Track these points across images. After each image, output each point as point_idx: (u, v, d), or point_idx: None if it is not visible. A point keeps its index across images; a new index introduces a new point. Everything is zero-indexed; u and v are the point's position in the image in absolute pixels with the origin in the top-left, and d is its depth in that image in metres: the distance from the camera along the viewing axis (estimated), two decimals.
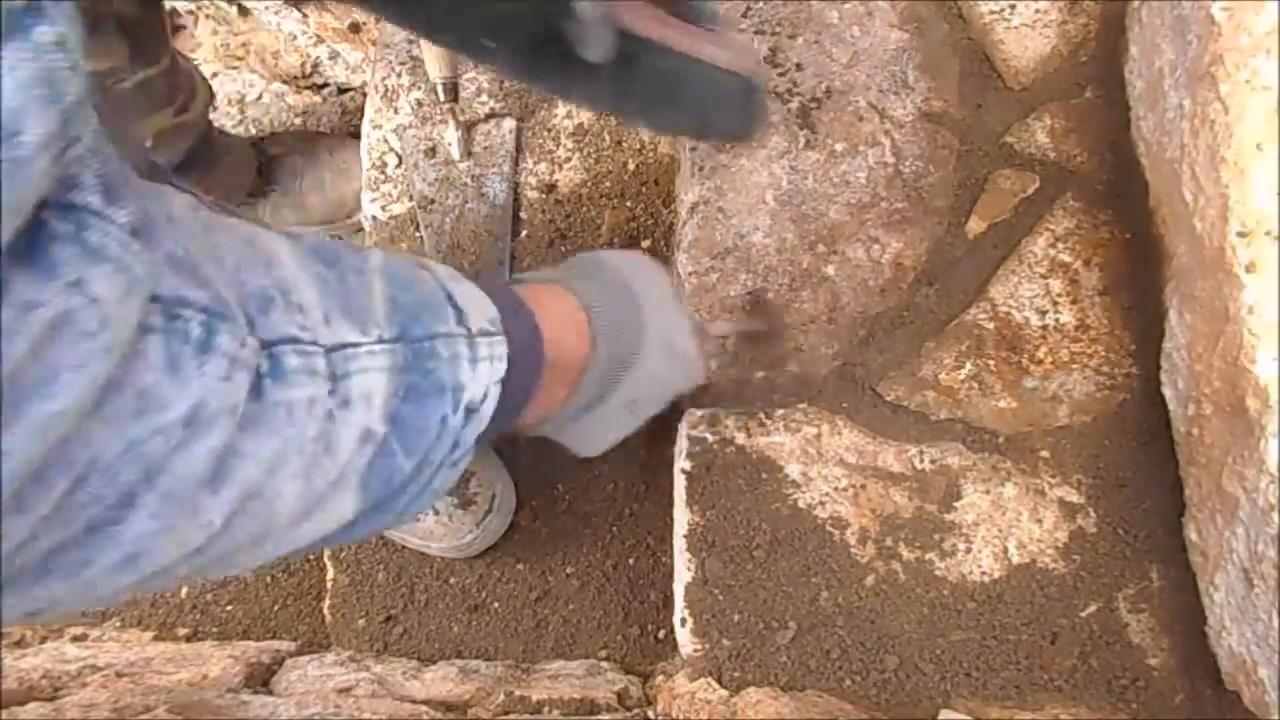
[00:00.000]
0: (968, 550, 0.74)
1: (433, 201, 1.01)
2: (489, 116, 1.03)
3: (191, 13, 1.28)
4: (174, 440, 0.32)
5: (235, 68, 1.36)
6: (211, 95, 1.06)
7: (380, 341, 0.41)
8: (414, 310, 0.44)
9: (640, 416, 0.63)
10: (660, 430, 0.89)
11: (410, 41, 1.04)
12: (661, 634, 0.91)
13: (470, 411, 0.45)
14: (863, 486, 0.75)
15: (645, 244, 1.00)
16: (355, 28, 1.23)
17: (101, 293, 0.28)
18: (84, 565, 0.32)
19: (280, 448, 0.36)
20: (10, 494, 0.28)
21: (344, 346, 0.39)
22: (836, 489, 0.75)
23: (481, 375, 0.46)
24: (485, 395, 0.46)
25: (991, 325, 0.79)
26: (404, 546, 0.95)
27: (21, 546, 0.30)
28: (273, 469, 0.36)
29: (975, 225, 0.82)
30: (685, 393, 0.65)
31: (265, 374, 0.35)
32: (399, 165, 1.03)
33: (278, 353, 0.36)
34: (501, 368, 0.47)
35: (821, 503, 0.75)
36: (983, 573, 0.73)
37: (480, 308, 0.48)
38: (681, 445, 0.78)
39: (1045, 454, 0.75)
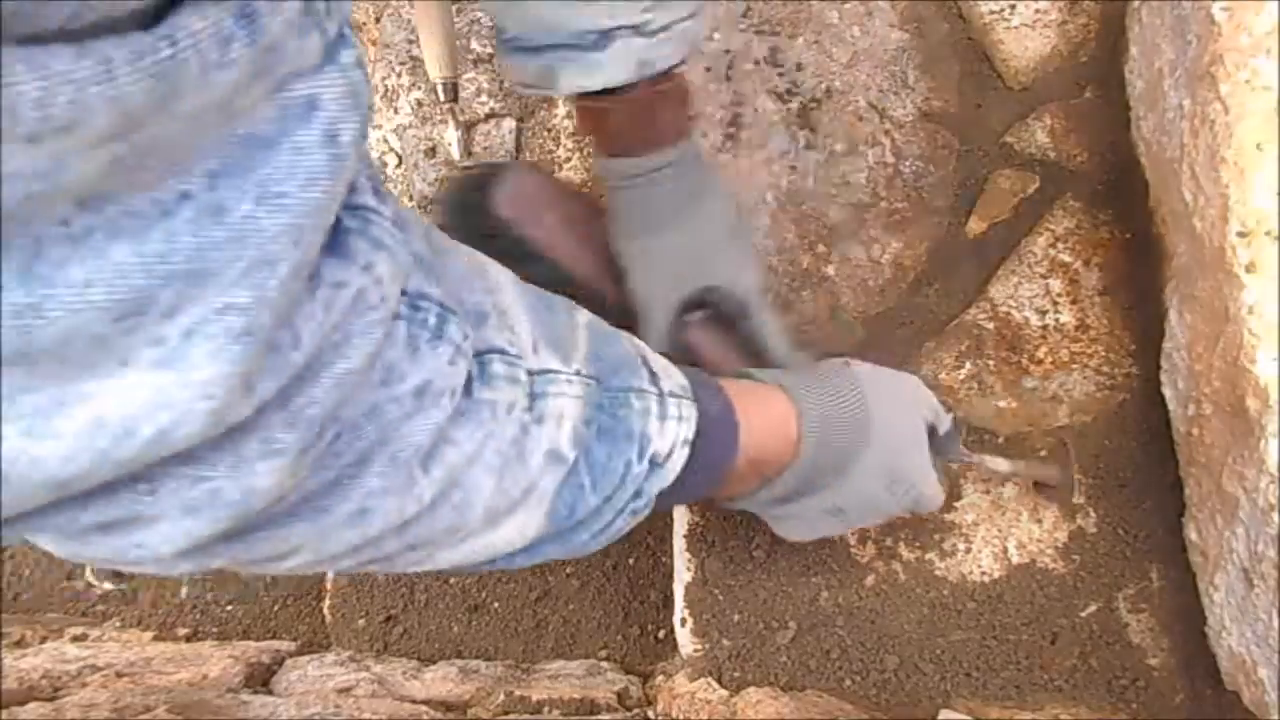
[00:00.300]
0: (968, 550, 0.74)
1: (433, 201, 1.01)
2: (489, 116, 1.03)
3: None
4: (405, 410, 0.36)
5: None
6: None
7: (579, 375, 0.45)
8: (613, 364, 0.48)
9: (848, 524, 0.63)
10: None
11: (410, 41, 1.04)
12: (661, 634, 0.91)
13: (655, 464, 0.48)
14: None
15: None
16: (355, 28, 1.23)
17: (383, 274, 0.33)
18: (324, 513, 0.36)
19: (481, 442, 0.40)
20: (311, 438, 0.33)
21: (546, 372, 0.43)
22: None
23: (669, 432, 0.48)
24: (671, 451, 0.48)
25: (991, 325, 0.79)
26: None
27: (295, 487, 0.34)
28: (473, 460, 0.40)
29: (975, 225, 0.82)
30: (920, 509, 0.63)
31: (474, 375, 0.40)
32: (399, 165, 1.03)
33: (485, 359, 0.40)
34: (689, 428, 0.49)
35: None
36: (983, 573, 0.73)
37: (672, 374, 0.51)
38: None
39: (1045, 454, 0.75)
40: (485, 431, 0.40)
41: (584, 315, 0.49)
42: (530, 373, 0.42)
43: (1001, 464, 0.69)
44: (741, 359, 0.67)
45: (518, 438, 0.42)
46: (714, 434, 0.52)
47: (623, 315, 0.65)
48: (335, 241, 0.31)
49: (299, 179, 0.27)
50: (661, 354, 0.60)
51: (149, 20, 0.22)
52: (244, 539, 0.35)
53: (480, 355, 0.40)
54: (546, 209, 0.70)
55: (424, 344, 0.37)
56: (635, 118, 0.61)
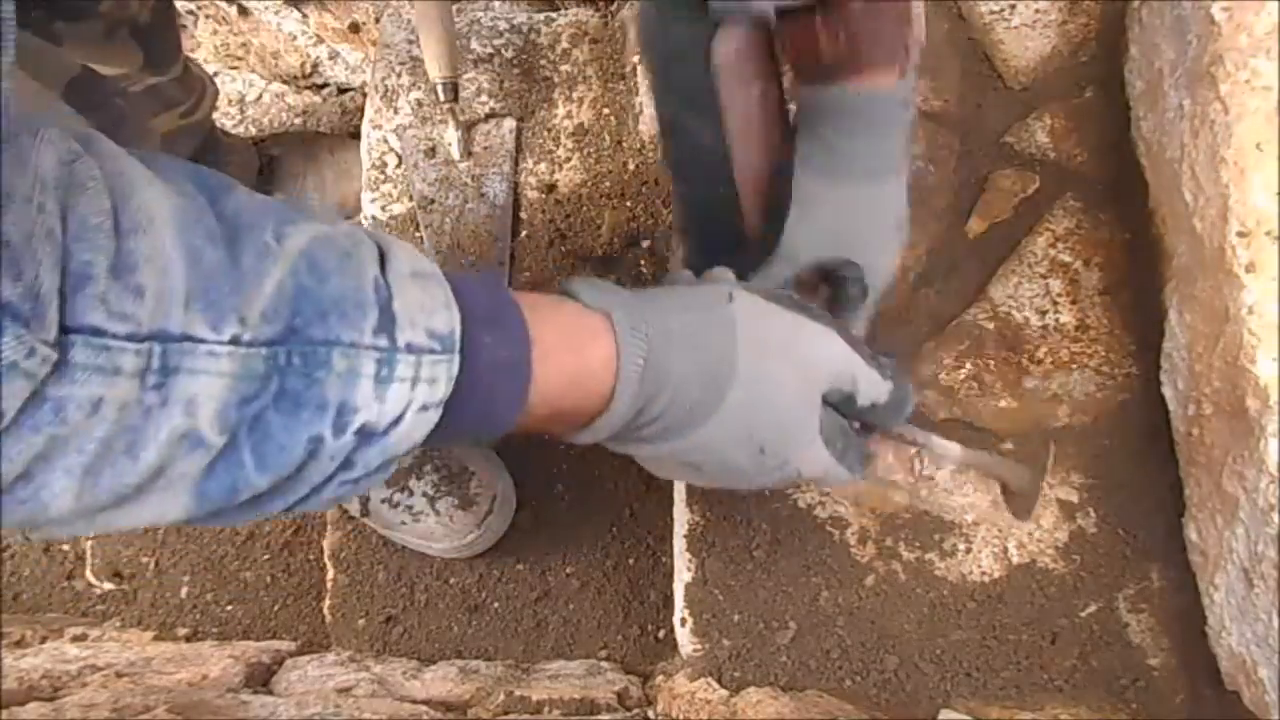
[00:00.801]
0: (968, 550, 0.74)
1: (433, 201, 1.01)
2: (489, 116, 1.03)
3: (191, 13, 1.28)
4: None
5: (235, 68, 1.36)
6: (216, 96, 1.06)
7: (236, 343, 0.35)
8: (319, 308, 0.37)
9: (709, 481, 0.54)
10: None
11: (410, 41, 1.04)
12: (661, 634, 0.91)
13: (368, 434, 0.39)
14: (863, 486, 0.75)
15: (645, 244, 1.00)
16: (355, 28, 1.23)
17: None
18: None
19: (42, 448, 0.33)
20: None
21: (183, 339, 0.34)
22: (836, 489, 0.75)
23: (393, 396, 0.39)
24: (399, 419, 0.40)
25: (991, 325, 0.79)
26: (404, 546, 0.95)
27: None
28: (42, 459, 0.33)
29: (975, 225, 0.82)
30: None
31: (52, 365, 0.31)
32: (399, 165, 1.03)
33: (68, 343, 0.32)
34: (433, 390, 0.40)
35: (821, 502, 0.75)
36: (983, 573, 0.73)
37: (431, 314, 0.41)
38: None
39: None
40: (46, 436, 0.33)
41: (302, 238, 0.39)
42: (158, 341, 0.34)
43: (952, 449, 0.62)
44: None
45: (114, 434, 0.34)
46: (493, 387, 0.43)
47: (743, 242, 0.60)
48: None
49: None
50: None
51: None
52: None
53: (67, 334, 0.32)
54: (760, 92, 0.59)
55: None
56: (846, 37, 0.54)
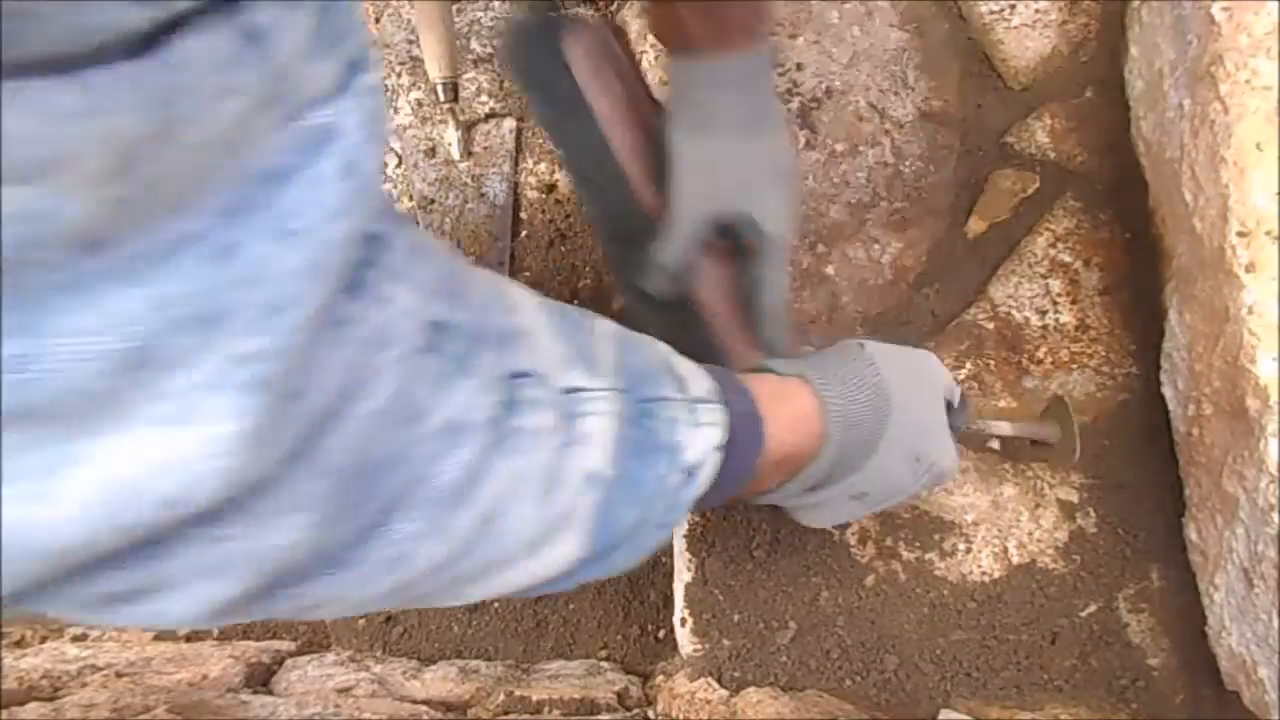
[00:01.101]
0: (968, 550, 0.74)
1: (433, 201, 1.01)
2: (489, 116, 1.03)
3: None
4: (433, 449, 0.34)
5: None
6: None
7: (609, 389, 0.43)
8: (639, 373, 0.46)
9: (869, 508, 0.61)
10: None
11: (410, 41, 1.04)
12: (661, 634, 0.91)
13: (688, 474, 0.46)
14: None
15: None
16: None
17: (402, 306, 0.31)
18: (356, 564, 0.34)
19: (517, 472, 0.37)
20: (335, 488, 0.30)
21: (576, 390, 0.41)
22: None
23: (700, 440, 0.46)
24: (703, 460, 0.47)
25: (991, 325, 0.79)
26: None
27: (322, 540, 0.32)
28: (510, 492, 0.38)
29: (975, 225, 0.82)
30: (937, 487, 0.64)
31: (505, 403, 0.37)
32: (399, 165, 1.03)
33: (516, 385, 0.38)
34: (719, 434, 0.47)
35: None
36: (983, 573, 0.73)
37: (699, 379, 0.49)
38: None
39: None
40: (520, 461, 0.38)
41: (606, 325, 0.47)
42: (562, 392, 0.40)
43: (1004, 427, 0.68)
44: (734, 305, 0.66)
45: (554, 463, 0.40)
46: (741, 436, 0.50)
47: (644, 219, 0.63)
48: (350, 276, 0.29)
49: (317, 214, 0.25)
50: (668, 268, 0.62)
51: (142, 46, 0.20)
52: (273, 596, 0.32)
53: (510, 380, 0.38)
54: (616, 77, 0.64)
55: (450, 376, 0.35)
56: (705, 12, 0.59)
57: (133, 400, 0.23)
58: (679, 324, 0.65)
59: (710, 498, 0.50)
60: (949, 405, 0.61)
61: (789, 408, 0.54)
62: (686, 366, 0.50)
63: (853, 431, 0.55)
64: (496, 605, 0.95)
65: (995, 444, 0.75)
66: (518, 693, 0.75)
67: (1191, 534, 0.70)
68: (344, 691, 0.77)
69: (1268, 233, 0.61)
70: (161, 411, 0.24)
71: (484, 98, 1.04)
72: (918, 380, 0.59)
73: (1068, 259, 0.80)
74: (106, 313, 0.22)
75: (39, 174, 0.19)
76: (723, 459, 0.48)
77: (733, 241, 0.64)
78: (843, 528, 0.74)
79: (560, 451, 0.40)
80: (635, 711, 0.76)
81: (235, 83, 0.22)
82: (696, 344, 0.60)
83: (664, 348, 0.50)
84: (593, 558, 0.44)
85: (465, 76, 1.02)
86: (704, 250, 0.64)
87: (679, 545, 0.76)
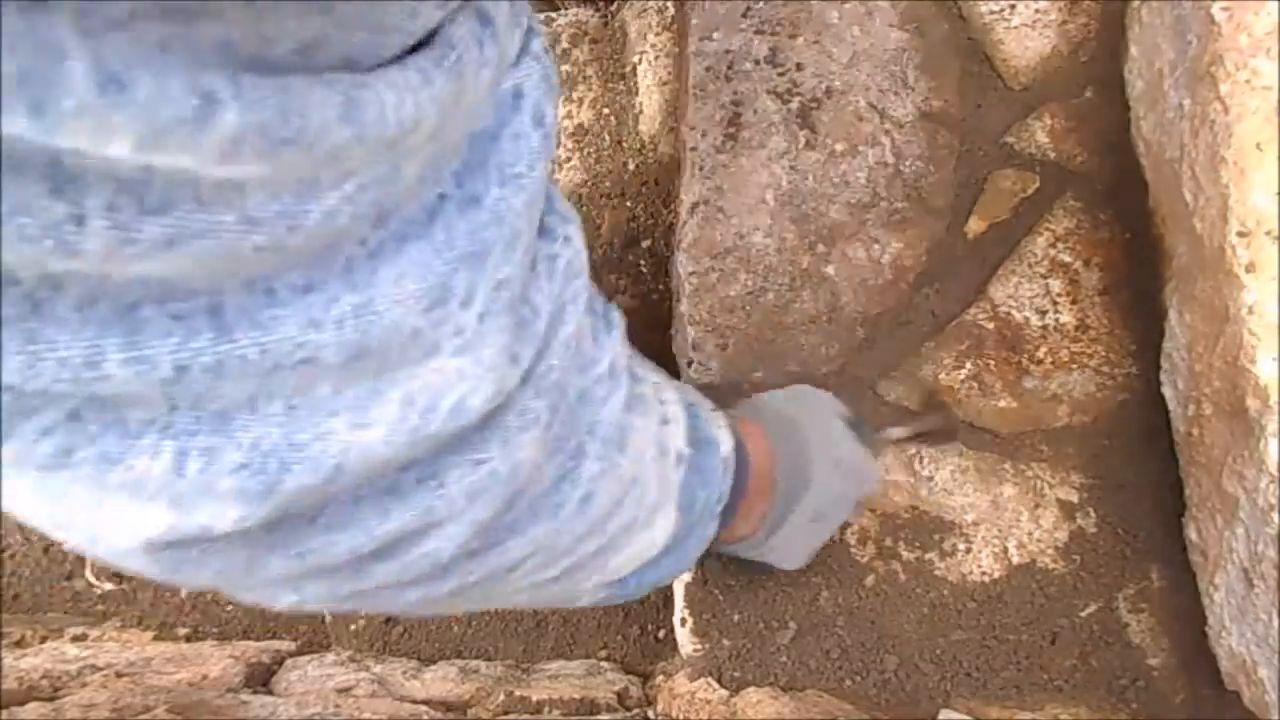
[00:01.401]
0: (968, 550, 0.74)
1: None
2: None
3: None
4: (603, 391, 0.39)
5: None
6: None
7: (668, 383, 0.50)
8: (670, 380, 0.51)
9: (829, 526, 0.66)
10: None
11: None
12: (661, 634, 0.91)
13: (725, 466, 0.51)
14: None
15: (645, 244, 1.00)
16: None
17: (577, 243, 0.36)
18: (559, 508, 0.39)
19: (645, 431, 0.43)
20: (552, 408, 0.36)
21: (653, 384, 0.48)
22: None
23: (726, 439, 0.52)
24: (730, 457, 0.52)
25: (991, 325, 0.79)
26: None
27: (537, 479, 0.37)
28: (645, 446, 0.43)
29: (975, 225, 0.82)
30: (871, 488, 0.69)
31: (626, 367, 0.42)
32: None
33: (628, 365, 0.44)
34: (731, 438, 0.53)
35: None
36: (983, 573, 0.73)
37: (703, 396, 0.56)
38: None
39: (1045, 454, 0.75)
40: (644, 422, 0.43)
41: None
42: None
43: (897, 431, 0.72)
44: None
45: (659, 434, 0.45)
46: (739, 449, 0.55)
47: None
48: (540, 218, 0.34)
49: (525, 161, 0.30)
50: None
51: (425, 38, 0.25)
52: (496, 548, 0.37)
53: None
54: None
55: (602, 331, 0.40)
56: None
57: (434, 337, 0.28)
58: None
59: (725, 515, 0.54)
60: (848, 420, 0.66)
61: (752, 436, 0.59)
62: (691, 390, 0.55)
63: (788, 453, 0.60)
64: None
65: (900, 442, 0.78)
66: (518, 693, 0.75)
67: (1191, 534, 0.70)
68: (344, 691, 0.77)
69: (1268, 233, 0.61)
70: (454, 344, 0.29)
71: None
72: (815, 406, 0.66)
73: (1068, 259, 0.80)
74: (407, 265, 0.26)
75: (401, 137, 0.23)
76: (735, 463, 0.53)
77: None
78: (843, 527, 0.74)
79: (661, 426, 0.46)
80: (635, 711, 0.76)
81: (486, 57, 0.26)
82: None
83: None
84: (675, 542, 0.49)
85: None
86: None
87: None
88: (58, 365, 0.22)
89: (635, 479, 0.43)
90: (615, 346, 0.41)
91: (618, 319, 0.42)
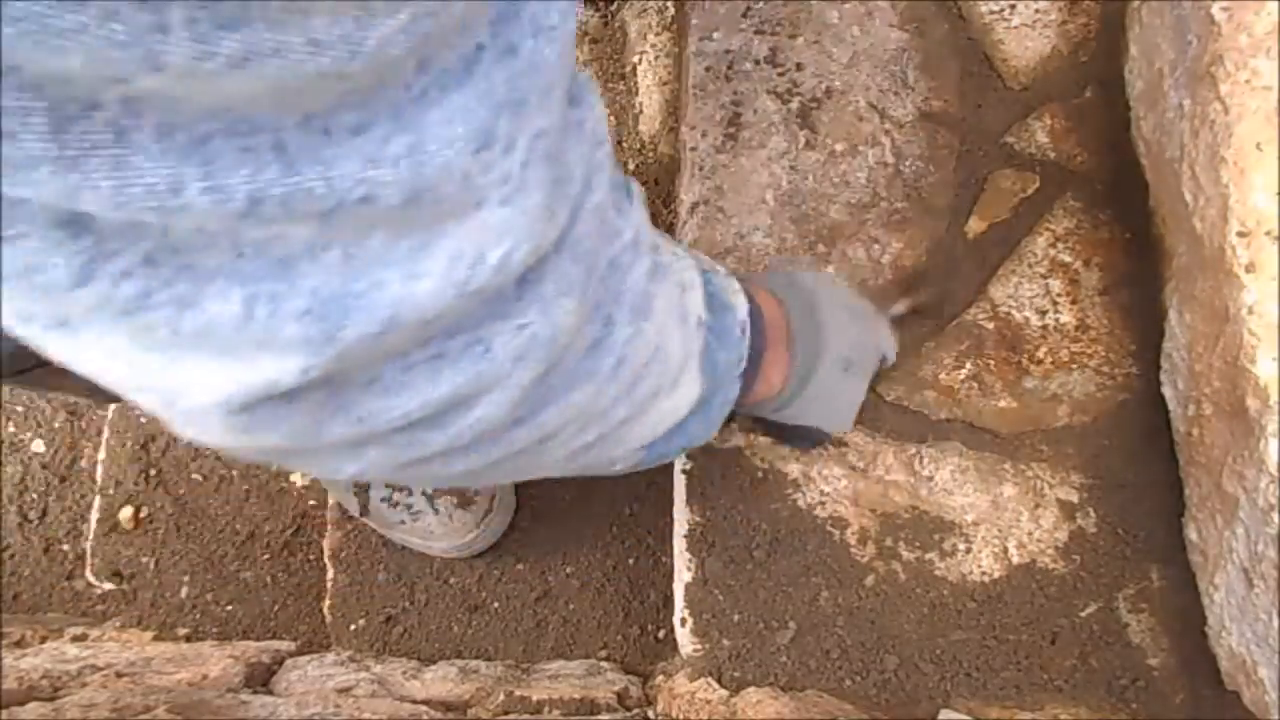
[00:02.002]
0: (968, 550, 0.74)
1: None
2: None
3: None
4: (629, 259, 0.41)
5: None
6: None
7: (685, 252, 0.51)
8: (684, 249, 0.53)
9: (863, 376, 0.66)
10: None
11: None
12: (661, 634, 0.91)
13: (743, 330, 0.53)
14: (863, 487, 0.75)
15: None
16: None
17: (600, 111, 0.37)
18: (593, 374, 0.40)
19: (669, 296, 0.44)
20: (588, 272, 0.37)
21: (671, 252, 0.49)
22: (836, 489, 0.75)
23: (741, 303, 0.53)
24: (747, 320, 0.53)
25: (991, 325, 0.79)
26: (404, 547, 0.95)
27: (575, 344, 0.38)
28: (668, 312, 0.44)
29: (975, 225, 0.82)
30: (888, 352, 0.70)
31: (645, 237, 0.43)
32: None
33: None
34: (746, 302, 0.54)
35: (821, 503, 0.75)
36: (983, 573, 0.73)
37: (716, 262, 0.56)
38: None
39: (1045, 454, 0.75)
40: (667, 288, 0.44)
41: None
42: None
43: (896, 308, 0.75)
44: None
45: (680, 300, 0.47)
46: (754, 318, 0.56)
47: None
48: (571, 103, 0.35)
49: (557, 12, 0.30)
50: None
51: None
52: (537, 415, 0.39)
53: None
54: None
55: (625, 203, 0.41)
56: None
57: (481, 185, 0.29)
58: None
59: (745, 383, 0.55)
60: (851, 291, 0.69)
61: (757, 291, 0.60)
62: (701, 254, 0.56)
63: (797, 300, 0.61)
64: (496, 605, 0.95)
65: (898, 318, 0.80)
66: (518, 693, 0.75)
67: (1191, 534, 0.70)
68: (344, 691, 0.77)
69: (1268, 233, 0.61)
70: (500, 194, 0.30)
71: None
72: (810, 273, 0.67)
73: (1068, 259, 0.80)
74: (453, 110, 0.27)
75: None
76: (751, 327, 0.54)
77: None
78: (843, 527, 0.74)
79: (681, 293, 0.47)
80: (635, 711, 0.76)
81: None
82: None
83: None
84: (700, 405, 0.50)
85: None
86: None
87: (679, 545, 0.76)
88: (145, 192, 0.23)
89: (660, 345, 0.44)
90: (637, 217, 0.42)
91: (637, 190, 0.43)
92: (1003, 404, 0.77)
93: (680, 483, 0.77)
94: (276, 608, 1.09)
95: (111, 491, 1.12)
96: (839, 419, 0.67)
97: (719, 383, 0.52)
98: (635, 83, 1.04)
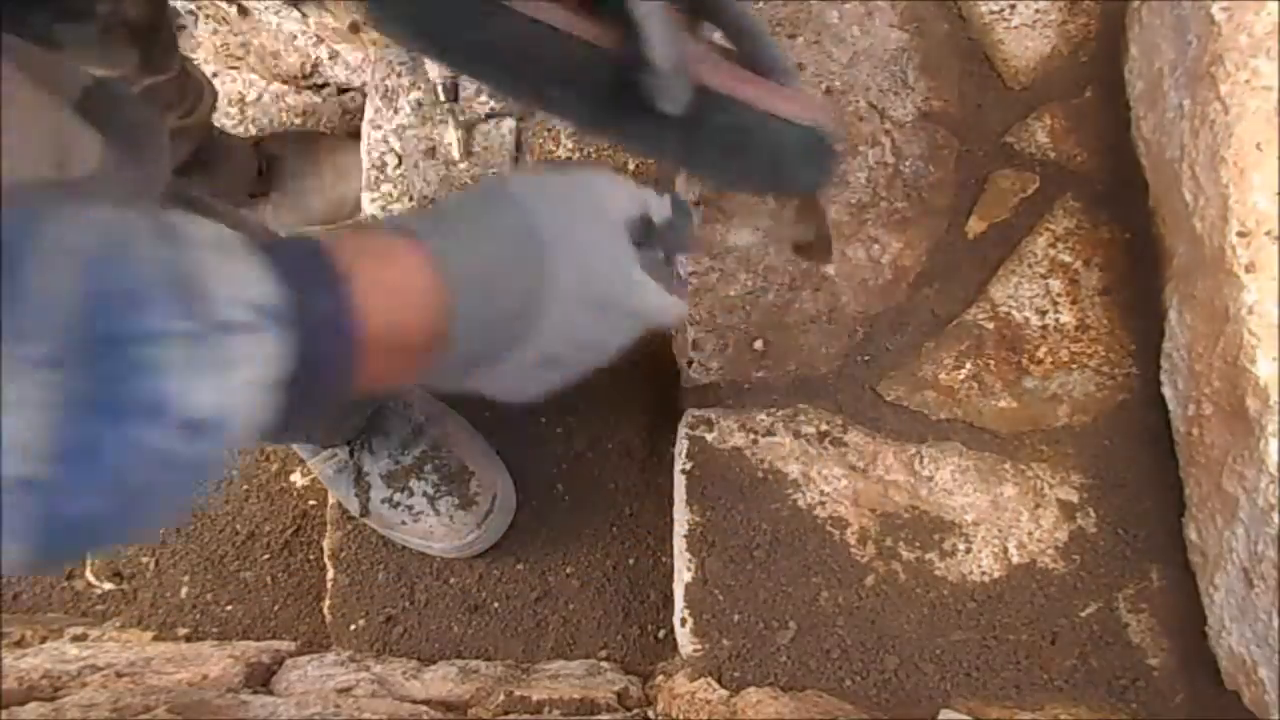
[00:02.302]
0: (968, 550, 0.74)
1: (432, 201, 1.01)
2: (489, 116, 1.03)
3: (191, 13, 1.28)
4: None
5: (235, 68, 1.35)
6: (216, 97, 1.06)
7: (41, 364, 0.31)
8: (113, 304, 0.33)
9: (571, 371, 0.50)
10: (660, 430, 0.89)
11: None
12: (661, 634, 0.91)
13: (194, 428, 0.34)
14: (863, 486, 0.75)
15: None
16: (355, 28, 1.23)
17: None
18: None
19: None
20: None
21: None
22: (836, 489, 0.75)
23: (217, 383, 0.35)
24: (229, 406, 0.35)
25: (991, 325, 0.79)
26: (404, 546, 0.95)
27: None
28: None
29: (975, 225, 0.82)
30: (655, 330, 0.53)
31: None
32: (399, 165, 1.03)
33: None
34: (263, 369, 0.36)
35: (821, 503, 0.75)
36: (983, 573, 0.73)
37: (245, 282, 0.36)
38: (681, 446, 0.78)
39: (1045, 454, 0.75)
40: None
41: (77, 236, 0.34)
42: None
43: (745, 235, 0.64)
44: (736, 61, 0.57)
45: None
46: (319, 344, 0.39)
47: (608, 56, 0.55)
48: None
49: None
50: (671, 73, 0.51)
51: None
52: None
53: None
54: None
55: None
56: None
57: None
58: (707, 129, 0.56)
59: (289, 418, 0.39)
60: (649, 227, 0.51)
61: (396, 287, 0.43)
62: (225, 269, 0.36)
63: (498, 296, 0.45)
64: (496, 605, 0.95)
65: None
66: (518, 693, 0.75)
67: (1191, 534, 0.70)
68: (344, 691, 0.77)
69: (1268, 233, 0.61)
70: None
71: (484, 98, 1.04)
72: (582, 211, 0.48)
73: (1068, 259, 0.80)
74: None
75: None
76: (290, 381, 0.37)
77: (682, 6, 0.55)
78: (843, 527, 0.74)
79: None
80: (635, 711, 0.76)
81: None
82: (730, 134, 0.54)
83: (205, 239, 0.37)
84: (44, 557, 0.33)
85: (465, 76, 1.02)
86: (693, 56, 0.54)
87: (679, 545, 0.76)
88: None
89: None
90: None
91: None
92: (1003, 404, 0.77)
93: (680, 483, 0.77)
94: (276, 608, 1.09)
95: None
96: (511, 397, 0.51)
97: (91, 531, 0.34)
98: None
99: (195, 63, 1.09)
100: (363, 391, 0.43)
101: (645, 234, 0.50)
